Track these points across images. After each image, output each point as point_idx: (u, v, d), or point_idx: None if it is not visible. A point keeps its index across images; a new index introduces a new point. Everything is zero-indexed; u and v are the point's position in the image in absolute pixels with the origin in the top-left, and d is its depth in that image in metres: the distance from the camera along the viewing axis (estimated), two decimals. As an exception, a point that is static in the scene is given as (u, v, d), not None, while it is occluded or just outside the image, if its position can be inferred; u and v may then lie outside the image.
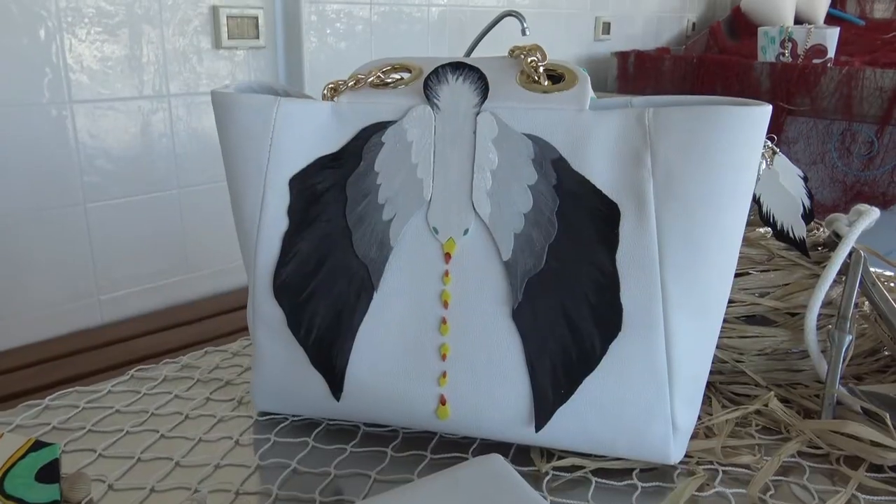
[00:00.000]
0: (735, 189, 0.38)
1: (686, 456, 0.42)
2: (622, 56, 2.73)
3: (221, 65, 1.58)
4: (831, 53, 2.71)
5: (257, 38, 1.62)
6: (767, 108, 0.38)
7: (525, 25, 1.96)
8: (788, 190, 0.55)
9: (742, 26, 3.62)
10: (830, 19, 3.77)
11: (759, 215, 0.55)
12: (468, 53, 2.07)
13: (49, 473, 0.40)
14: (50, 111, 1.33)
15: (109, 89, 1.41)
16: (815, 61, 2.69)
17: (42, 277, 1.38)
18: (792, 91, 2.41)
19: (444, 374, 0.41)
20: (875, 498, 0.39)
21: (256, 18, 1.61)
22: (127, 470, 0.41)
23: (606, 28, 2.85)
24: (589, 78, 0.42)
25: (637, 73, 2.69)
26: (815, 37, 2.76)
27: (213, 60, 1.56)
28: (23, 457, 0.41)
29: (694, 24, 3.76)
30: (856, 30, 3.65)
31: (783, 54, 2.77)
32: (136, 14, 1.41)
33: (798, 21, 3.68)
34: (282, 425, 0.45)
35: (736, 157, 0.37)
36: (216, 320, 1.54)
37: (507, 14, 1.98)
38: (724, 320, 0.51)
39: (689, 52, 3.31)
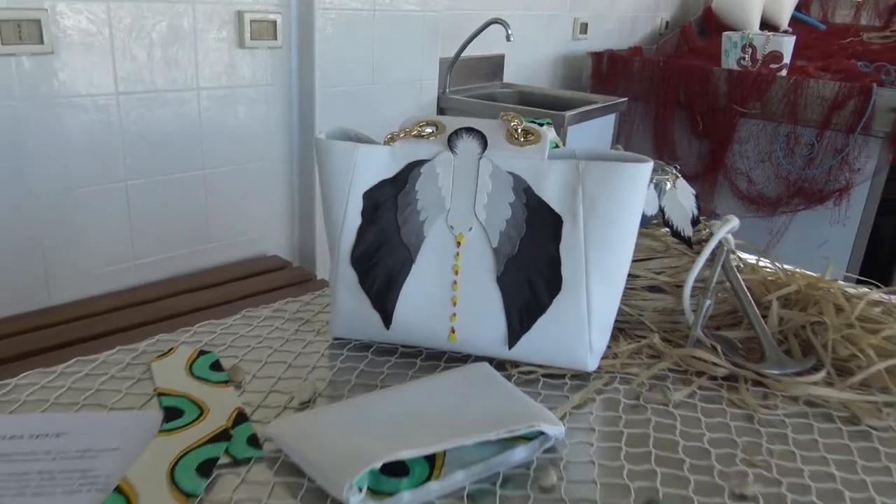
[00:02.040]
0: (630, 210, 0.64)
1: (598, 368, 0.69)
2: (597, 56, 2.99)
3: (245, 61, 1.81)
4: (787, 59, 2.97)
5: (275, 38, 1.85)
6: (649, 165, 0.64)
7: (509, 32, 2.21)
8: (683, 203, 0.82)
9: (712, 26, 3.83)
10: (794, 22, 3.99)
11: (662, 220, 0.82)
12: (458, 54, 2.32)
13: (217, 366, 0.66)
14: (103, 102, 1.57)
15: (150, 83, 1.64)
16: (772, 66, 2.96)
17: (90, 243, 1.62)
18: (745, 95, 2.69)
19: (454, 315, 0.67)
20: (707, 393, 0.67)
21: (275, 22, 1.84)
22: (260, 367, 0.67)
23: (584, 28, 3.09)
24: (550, 134, 0.69)
25: (609, 73, 2.95)
26: (773, 44, 3.00)
27: (237, 58, 1.79)
28: (195, 359, 0.67)
29: (667, 22, 3.97)
30: (816, 33, 3.88)
31: (744, 58, 3.02)
32: (152, 9, 1.64)
33: (765, 22, 3.88)
34: (349, 346, 0.72)
35: (630, 191, 0.63)
36: (235, 285, 1.79)
37: (493, 21, 2.22)
38: (632, 288, 0.79)
39: (661, 51, 3.55)
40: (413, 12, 2.12)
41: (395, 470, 0.52)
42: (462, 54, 2.33)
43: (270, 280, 1.81)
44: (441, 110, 2.32)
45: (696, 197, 0.84)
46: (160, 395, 0.61)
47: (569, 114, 2.12)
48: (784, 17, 3.91)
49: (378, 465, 0.48)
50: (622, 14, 3.45)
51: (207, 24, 1.71)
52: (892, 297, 0.82)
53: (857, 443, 0.61)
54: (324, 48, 1.92)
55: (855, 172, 2.58)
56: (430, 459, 0.53)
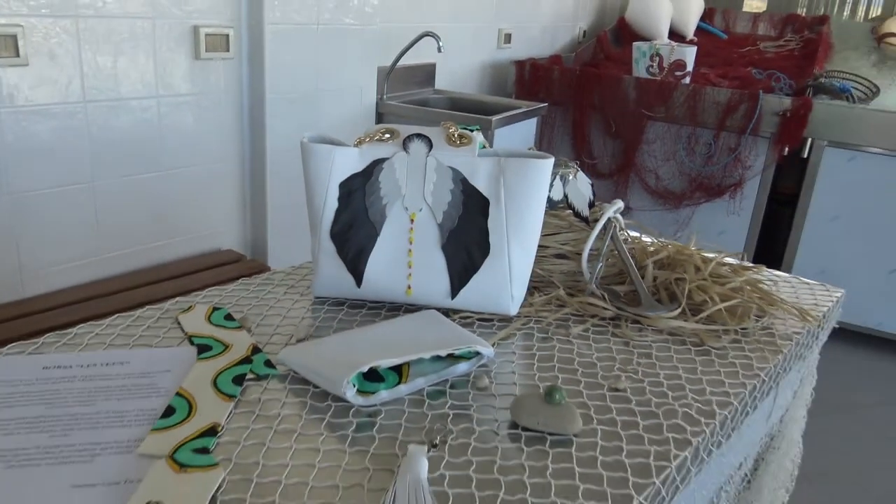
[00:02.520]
0: (539, 192, 0.87)
1: (518, 314, 0.92)
2: (520, 64, 3.25)
3: (200, 72, 1.98)
4: (690, 67, 3.29)
5: (228, 50, 2.03)
6: (550, 160, 0.87)
7: (440, 44, 2.44)
8: (582, 191, 1.06)
9: (626, 35, 4.13)
10: (700, 31, 4.31)
11: (566, 204, 1.05)
12: (394, 64, 2.54)
13: (230, 317, 0.86)
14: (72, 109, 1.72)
15: (115, 92, 1.79)
16: (677, 73, 3.28)
17: (60, 239, 1.77)
18: (651, 101, 3.00)
19: (409, 275, 0.89)
20: (598, 328, 0.91)
21: (227, 36, 2.02)
22: (262, 319, 0.87)
23: (508, 38, 3.35)
24: (479, 137, 0.91)
25: (531, 80, 3.22)
26: (677, 53, 3.32)
27: (193, 68, 1.96)
28: (212, 312, 0.87)
29: (585, 31, 4.27)
30: (719, 42, 4.24)
31: (652, 66, 3.33)
32: (115, 26, 1.80)
33: (673, 30, 4.17)
34: (328, 302, 0.93)
35: (537, 179, 0.87)
36: (194, 276, 1.95)
37: (425, 34, 2.45)
38: (543, 256, 1.02)
39: (579, 58, 3.84)
40: (352, 26, 2.33)
41: (374, 378, 0.73)
42: (397, 63, 2.54)
43: (227, 271, 1.99)
44: (379, 115, 2.53)
45: (592, 185, 1.08)
46: (191, 337, 0.81)
47: (495, 118, 2.36)
48: (690, 26, 4.23)
49: (364, 369, 0.70)
50: (543, 23, 3.72)
51: (166, 37, 1.87)
52: (740, 261, 1.08)
53: (700, 357, 0.86)
54: (272, 59, 2.10)
55: (747, 169, 2.92)
56: (398, 371, 0.75)
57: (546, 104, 2.84)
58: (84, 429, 0.63)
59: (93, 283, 1.85)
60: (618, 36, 4.15)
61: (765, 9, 4.52)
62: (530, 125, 2.77)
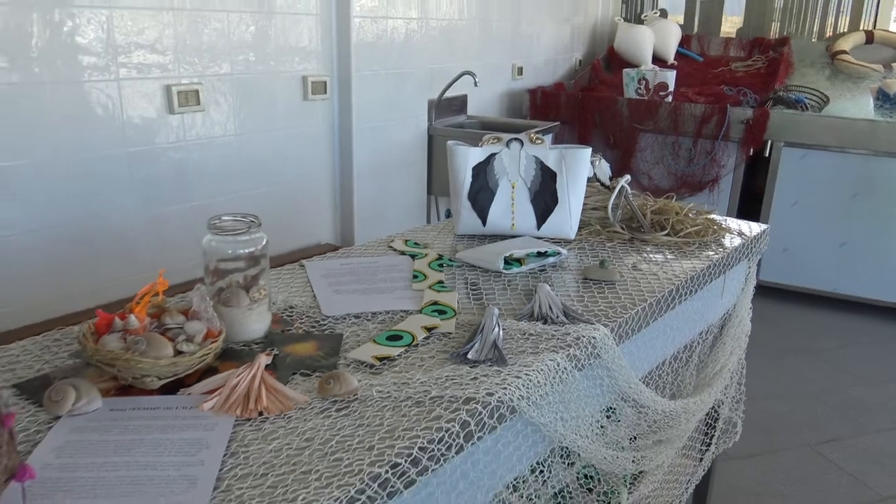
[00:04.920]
0: (583, 168, 1.56)
1: (575, 238, 1.61)
2: (532, 92, 3.97)
3: (307, 111, 2.68)
4: (672, 87, 4.00)
5: (325, 93, 2.73)
6: (588, 150, 1.57)
7: (476, 79, 3.15)
8: (605, 170, 1.76)
9: (616, 61, 4.84)
10: (679, 55, 5.00)
11: (595, 178, 1.75)
12: (440, 97, 3.24)
13: (417, 244, 1.55)
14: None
15: (252, 127, 2.48)
16: (661, 93, 3.99)
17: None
18: (642, 117, 3.71)
19: (513, 217, 1.58)
20: (619, 245, 1.59)
21: (325, 82, 2.72)
22: (431, 242, 1.56)
23: (520, 71, 4.07)
24: (548, 140, 1.61)
25: (542, 104, 3.93)
26: (660, 77, 4.03)
27: (302, 107, 2.66)
28: (405, 241, 1.56)
29: (580, 61, 4.99)
30: (696, 65, 4.94)
31: (640, 89, 4.04)
32: (256, 79, 2.50)
33: (655, 55, 4.84)
34: (466, 238, 1.61)
35: (582, 160, 1.56)
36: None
37: (465, 73, 3.16)
38: (585, 208, 1.71)
39: (578, 84, 4.56)
40: (410, 70, 3.04)
41: (510, 263, 1.41)
42: (444, 96, 3.25)
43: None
44: (430, 137, 3.23)
45: (610, 167, 1.78)
46: (402, 252, 1.49)
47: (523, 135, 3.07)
48: (670, 52, 4.91)
49: (506, 254, 1.38)
50: (546, 56, 4.44)
51: (286, 86, 2.57)
52: (710, 210, 1.76)
53: (680, 256, 1.54)
54: (357, 98, 2.80)
55: (721, 168, 3.62)
56: (518, 261, 1.43)
57: (557, 123, 3.54)
58: (379, 292, 1.31)
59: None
60: (609, 63, 4.85)
61: (734, 34, 5.22)
62: (546, 140, 3.47)
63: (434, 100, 3.24)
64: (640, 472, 1.48)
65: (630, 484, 1.49)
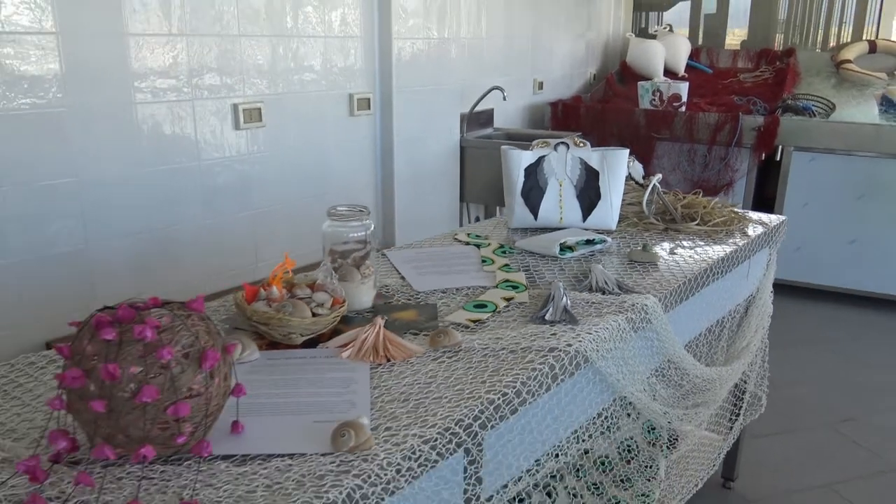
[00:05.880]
0: (621, 167, 1.78)
1: (615, 229, 1.82)
2: (553, 105, 4.19)
3: (352, 125, 2.91)
4: (684, 98, 4.22)
5: (369, 109, 2.96)
6: (626, 151, 1.79)
7: (504, 94, 3.38)
8: (638, 170, 1.98)
9: (629, 75, 5.05)
10: (689, 68, 5.19)
11: (630, 177, 1.97)
12: (471, 111, 3.47)
13: (478, 236, 1.77)
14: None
15: (305, 140, 2.71)
16: (675, 104, 4.21)
17: (287, 237, 2.67)
18: (658, 126, 3.93)
19: (561, 210, 1.79)
20: (655, 234, 1.80)
21: (369, 99, 2.95)
22: (489, 234, 1.77)
23: (540, 85, 4.30)
24: (589, 144, 1.83)
25: (563, 116, 4.16)
26: (673, 88, 4.25)
27: (348, 122, 2.89)
28: (468, 234, 1.78)
29: (594, 75, 5.22)
30: (706, 76, 5.15)
31: (654, 100, 4.25)
32: (309, 97, 2.73)
33: (667, 69, 5.03)
34: (519, 230, 1.82)
35: (621, 160, 1.77)
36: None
37: (494, 88, 3.39)
38: (623, 202, 1.93)
39: (594, 97, 4.78)
40: (445, 87, 3.27)
41: (563, 249, 1.63)
42: (476, 108, 3.48)
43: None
44: (462, 148, 3.45)
45: (643, 167, 1.99)
46: (466, 243, 1.70)
47: (549, 144, 3.29)
48: (681, 65, 5.11)
49: (561, 240, 1.59)
50: (563, 71, 4.67)
51: (335, 103, 2.81)
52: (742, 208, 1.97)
53: (709, 242, 1.75)
54: (397, 113, 3.03)
55: (735, 172, 3.83)
56: (570, 248, 1.64)
57: (580, 133, 3.76)
58: (445, 273, 1.52)
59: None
60: (622, 76, 5.05)
61: (739, 46, 5.43)
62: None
63: (466, 113, 3.47)
64: (675, 441, 1.68)
65: (666, 453, 1.69)
